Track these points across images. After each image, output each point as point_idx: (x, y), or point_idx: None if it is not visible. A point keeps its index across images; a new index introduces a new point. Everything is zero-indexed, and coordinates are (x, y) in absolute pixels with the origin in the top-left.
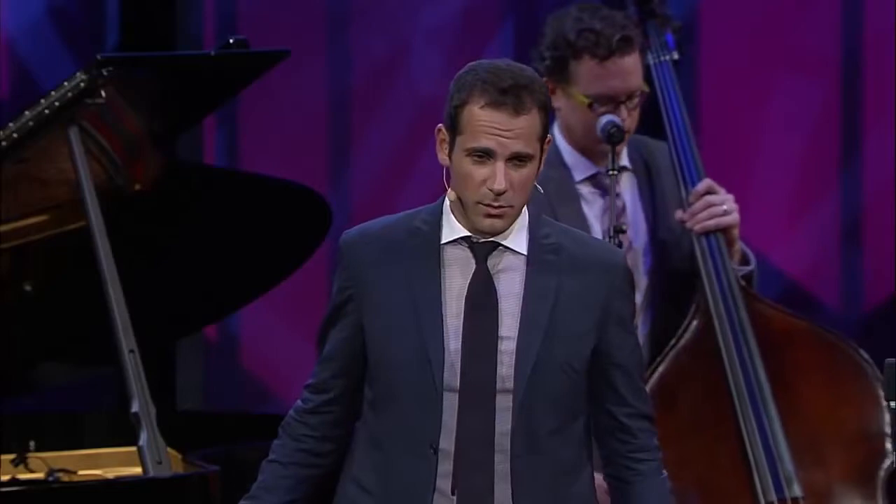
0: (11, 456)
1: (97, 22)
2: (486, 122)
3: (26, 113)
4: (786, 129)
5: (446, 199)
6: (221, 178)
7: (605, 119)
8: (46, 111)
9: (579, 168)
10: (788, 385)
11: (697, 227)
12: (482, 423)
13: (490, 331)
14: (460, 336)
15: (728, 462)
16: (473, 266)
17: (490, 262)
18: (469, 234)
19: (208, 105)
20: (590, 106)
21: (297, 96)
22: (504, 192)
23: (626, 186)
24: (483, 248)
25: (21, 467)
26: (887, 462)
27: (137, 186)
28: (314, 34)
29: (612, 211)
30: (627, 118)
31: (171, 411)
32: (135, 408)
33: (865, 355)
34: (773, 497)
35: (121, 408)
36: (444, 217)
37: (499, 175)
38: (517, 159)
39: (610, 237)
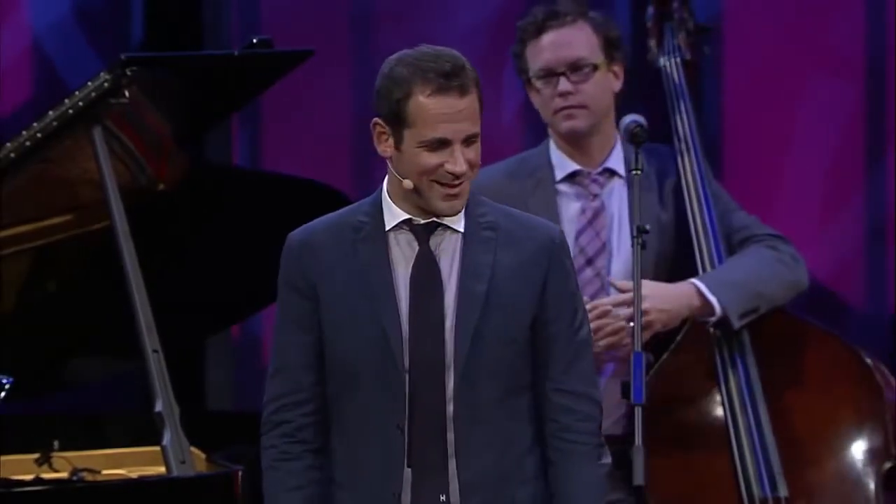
0: (36, 455)
1: (123, 22)
2: (436, 110)
3: (50, 113)
4: (811, 130)
5: (384, 188)
6: (245, 178)
7: (628, 119)
8: (70, 111)
9: (561, 166)
10: (782, 384)
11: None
12: (433, 399)
13: (435, 310)
14: (407, 319)
15: (717, 468)
16: (417, 248)
17: (432, 243)
18: (410, 216)
19: (232, 105)
20: (528, 83)
21: (322, 96)
22: (464, 173)
23: (612, 190)
24: (424, 229)
25: (45, 467)
26: (887, 465)
27: (161, 186)
28: (339, 34)
29: (636, 210)
30: (575, 92)
31: (201, 412)
32: (158, 407)
33: (865, 354)
34: (757, 496)
35: (145, 407)
36: (385, 206)
37: (459, 158)
38: (470, 139)
39: (633, 237)
